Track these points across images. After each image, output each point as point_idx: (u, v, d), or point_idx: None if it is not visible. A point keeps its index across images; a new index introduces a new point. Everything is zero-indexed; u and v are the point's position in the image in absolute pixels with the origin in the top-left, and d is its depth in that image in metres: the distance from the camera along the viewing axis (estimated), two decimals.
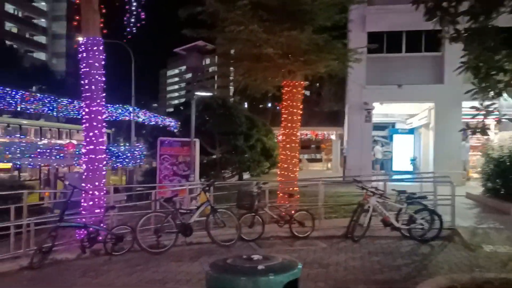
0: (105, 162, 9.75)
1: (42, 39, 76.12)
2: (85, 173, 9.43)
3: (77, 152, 19.62)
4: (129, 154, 22.42)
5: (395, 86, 19.57)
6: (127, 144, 26.64)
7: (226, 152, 17.17)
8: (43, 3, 76.85)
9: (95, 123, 9.43)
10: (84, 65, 9.37)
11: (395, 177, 18.11)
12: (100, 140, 9.53)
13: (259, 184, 9.13)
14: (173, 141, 11.97)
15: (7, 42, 57.51)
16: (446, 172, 11.49)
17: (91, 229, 7.04)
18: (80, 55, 9.43)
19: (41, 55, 74.41)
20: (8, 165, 19.88)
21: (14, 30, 69.70)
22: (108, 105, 35.69)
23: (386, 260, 7.27)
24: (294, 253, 7.69)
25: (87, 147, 9.41)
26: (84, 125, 9.52)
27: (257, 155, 18.46)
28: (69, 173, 21.62)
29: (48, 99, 24.99)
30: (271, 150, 20.26)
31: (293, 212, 9.22)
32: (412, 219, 8.63)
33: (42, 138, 24.02)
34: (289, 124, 11.21)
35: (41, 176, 22.08)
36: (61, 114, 26.57)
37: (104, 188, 9.59)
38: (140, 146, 24.70)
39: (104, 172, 9.67)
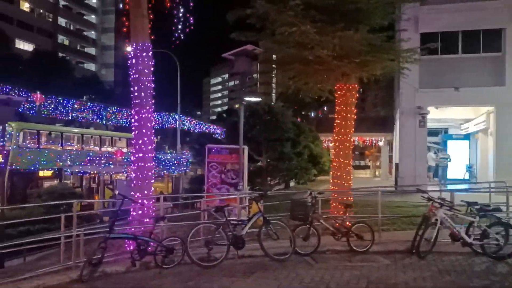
0: (153, 170, 9.57)
1: (92, 50, 79.34)
2: (134, 182, 9.26)
3: (125, 160, 19.89)
4: (175, 162, 22.49)
5: (451, 89, 18.43)
6: (173, 152, 26.82)
7: (273, 159, 16.70)
8: (93, 16, 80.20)
9: (144, 130, 9.26)
10: (133, 71, 9.25)
11: (454, 186, 16.93)
12: (149, 147, 9.35)
13: (314, 193, 8.57)
14: (221, 148, 11.66)
15: (60, 54, 60.18)
16: (510, 180, 10.44)
17: (141, 240, 6.77)
18: (129, 62, 9.32)
19: (91, 66, 77.54)
20: (49, 173, 20.37)
21: (66, 42, 73.06)
22: (154, 113, 36.35)
23: (460, 280, 6.50)
24: (355, 270, 7.07)
25: (136, 155, 9.25)
26: (133, 133, 9.38)
27: (305, 162, 17.87)
28: (118, 180, 21.97)
29: (98, 107, 25.61)
30: (318, 157, 19.60)
31: (349, 224, 8.60)
32: (485, 233, 7.78)
33: (91, 146, 24.56)
34: (342, 130, 10.60)
35: (82, 183, 22.59)
36: (110, 122, 27.17)
37: (153, 197, 9.42)
38: (186, 153, 24.78)
39: (152, 181, 9.48)
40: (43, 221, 17.03)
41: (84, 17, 78.80)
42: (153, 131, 9.61)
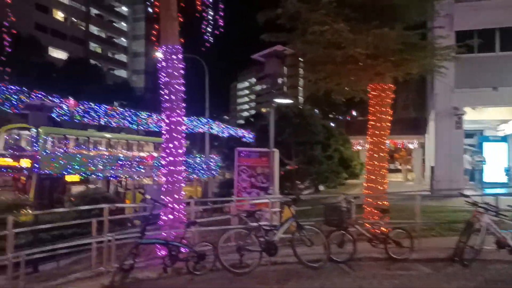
0: (184, 175, 9.47)
1: (123, 57, 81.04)
2: (165, 186, 9.19)
3: (155, 164, 20.00)
4: (204, 166, 22.48)
5: (489, 89, 17.64)
6: (202, 156, 26.89)
7: (302, 163, 16.38)
8: (124, 24, 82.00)
9: (174, 134, 9.19)
10: (163, 75, 9.20)
11: (492, 190, 16.14)
12: (180, 151, 9.26)
13: (349, 197, 8.23)
14: (251, 152, 11.46)
15: (92, 61, 61.72)
16: None
17: (172, 246, 6.64)
18: (159, 65, 9.28)
19: (122, 73, 79.17)
20: (77, 177, 20.59)
21: (98, 50, 74.94)
22: (184, 117, 36.62)
23: None
24: (394, 279, 6.71)
25: (167, 159, 9.17)
26: (163, 136, 9.31)
27: (335, 165, 17.46)
28: (147, 185, 22.11)
29: (129, 112, 25.97)
30: (349, 160, 19.13)
31: (386, 230, 8.21)
32: None
33: (121, 150, 24.76)
34: (377, 132, 10.21)
35: (109, 188, 22.60)
36: (141, 127, 27.51)
37: (184, 201, 9.31)
38: (215, 157, 24.77)
39: (183, 185, 9.38)
40: (75, 225, 17.36)
41: (115, 24, 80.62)
42: (184, 135, 9.53)
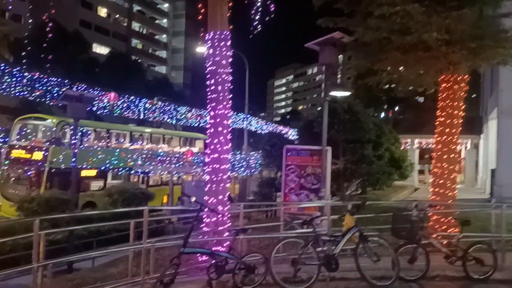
0: (229, 173, 8.64)
1: (163, 53, 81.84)
2: (208, 185, 8.38)
3: (194, 160, 19.39)
4: (244, 163, 21.70)
5: None
6: (242, 153, 26.13)
7: (351, 163, 15.20)
8: (165, 20, 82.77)
9: (220, 128, 8.34)
10: (210, 63, 8.37)
11: None
12: (226, 148, 8.42)
13: (422, 205, 7.08)
14: (301, 150, 10.45)
15: (133, 57, 62.47)
16: None
17: (219, 256, 5.79)
18: (206, 52, 8.45)
19: (162, 69, 79.95)
20: (93, 172, 19.69)
21: (139, 46, 75.97)
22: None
23: None
24: None
25: (211, 156, 8.35)
26: (208, 131, 8.50)
27: (387, 166, 16.17)
28: (185, 182, 21.54)
29: (168, 107, 25.59)
30: (400, 160, 17.75)
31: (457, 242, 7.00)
32: None
33: (153, 145, 24.09)
34: (447, 130, 8.96)
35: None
36: (180, 122, 27.10)
37: (228, 203, 8.48)
38: (255, 154, 23.97)
39: (228, 184, 8.55)
40: (112, 219, 16.98)
41: (156, 21, 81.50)
42: (230, 129, 8.69)
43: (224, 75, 8.40)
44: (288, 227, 9.10)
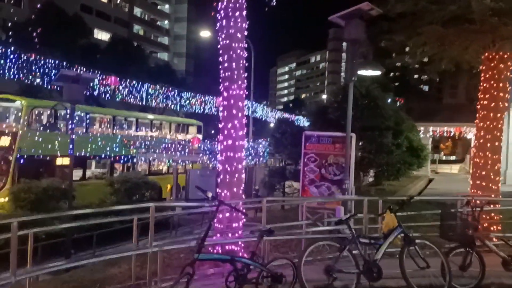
0: (244, 163, 7.64)
1: (165, 40, 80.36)
2: (221, 176, 7.38)
3: (200, 148, 18.39)
4: (252, 151, 20.69)
5: None
6: (248, 141, 25.10)
7: (369, 152, 14.18)
8: (167, 6, 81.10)
9: (234, 111, 7.31)
10: (223, 36, 7.30)
11: None
12: (241, 133, 7.39)
13: (476, 201, 6.07)
14: (322, 137, 9.42)
15: (135, 44, 61.14)
16: None
17: (240, 263, 4.81)
18: (218, 24, 7.38)
19: (164, 55, 78.53)
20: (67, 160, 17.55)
21: (141, 32, 74.49)
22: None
23: None
24: None
25: (225, 142, 7.33)
26: (221, 114, 7.46)
27: (407, 155, 15.15)
28: (190, 170, 20.56)
29: (172, 93, 24.52)
30: (419, 149, 16.71)
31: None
32: None
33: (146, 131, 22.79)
34: (491, 114, 7.92)
35: (112, 173, 20.09)
36: (184, 108, 26.03)
37: (243, 197, 7.48)
38: (263, 142, 22.94)
39: (243, 175, 7.55)
40: (115, 212, 16.05)
41: (158, 7, 79.86)
42: (245, 112, 7.65)
43: (239, 51, 7.35)
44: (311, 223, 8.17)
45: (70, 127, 11.04)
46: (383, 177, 16.06)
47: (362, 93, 14.02)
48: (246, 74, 7.52)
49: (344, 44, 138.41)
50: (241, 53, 7.37)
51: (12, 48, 20.41)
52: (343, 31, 8.53)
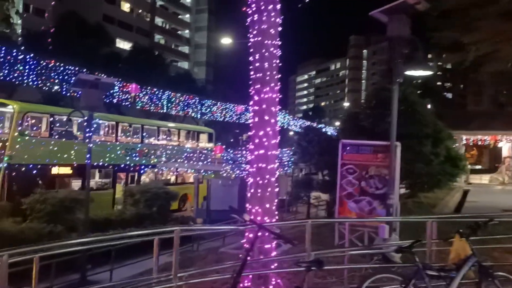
0: (277, 175, 6.78)
1: (185, 49, 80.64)
2: (252, 190, 6.53)
3: (223, 157, 17.61)
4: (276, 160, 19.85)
5: None
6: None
7: (406, 161, 13.08)
8: (187, 16, 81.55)
9: (267, 117, 6.47)
10: (254, 33, 6.49)
11: None
12: (273, 142, 6.55)
13: None
14: (362, 146, 8.50)
15: (156, 52, 61.31)
16: None
17: None
18: (249, 19, 6.58)
19: (184, 64, 78.72)
20: (67, 169, 16.48)
21: (162, 41, 74.90)
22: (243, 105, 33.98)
23: None
24: None
25: (256, 152, 6.48)
26: (252, 120, 6.64)
27: (448, 165, 14.01)
28: (212, 180, 19.78)
29: (193, 100, 23.90)
30: (458, 159, 15.55)
31: None
32: None
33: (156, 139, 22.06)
34: None
35: (115, 185, 18.97)
36: (205, 116, 25.38)
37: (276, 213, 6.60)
38: (287, 151, 22.08)
39: (276, 189, 6.68)
40: (134, 223, 15.41)
41: (179, 16, 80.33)
42: (278, 118, 6.81)
43: (272, 48, 6.52)
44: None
45: (87, 135, 10.40)
46: (419, 188, 14.94)
47: (399, 98, 12.98)
48: (280, 75, 6.69)
49: (365, 51, 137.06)
50: (275, 51, 6.55)
51: (33, 55, 20.23)
52: (386, 27, 7.65)
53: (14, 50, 18.90)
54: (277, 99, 6.66)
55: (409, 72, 7.75)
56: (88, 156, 9.22)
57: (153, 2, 72.24)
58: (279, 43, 6.63)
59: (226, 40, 31.98)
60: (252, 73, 6.57)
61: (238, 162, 16.41)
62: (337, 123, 69.41)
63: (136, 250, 12.96)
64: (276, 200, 6.62)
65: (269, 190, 6.45)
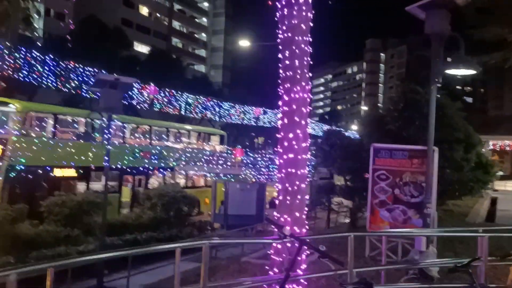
0: (308, 181, 6.32)
1: (202, 52, 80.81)
2: (280, 197, 6.07)
3: (243, 160, 17.16)
4: None
5: None
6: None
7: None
8: (204, 19, 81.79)
9: (297, 118, 6.01)
10: (284, 28, 6.06)
11: None
12: (304, 145, 6.09)
13: None
14: (396, 150, 7.97)
15: (173, 56, 61.43)
16: None
17: None
18: (278, 14, 6.14)
19: (201, 68, 78.84)
20: (72, 172, 15.72)
21: (179, 45, 75.16)
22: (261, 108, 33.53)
23: None
24: None
25: (285, 156, 6.03)
26: (280, 122, 6.19)
27: (481, 172, 13.32)
28: (230, 184, 19.35)
29: (211, 103, 23.60)
30: (489, 165, 14.81)
31: None
32: None
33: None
34: None
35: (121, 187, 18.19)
36: (223, 119, 25.06)
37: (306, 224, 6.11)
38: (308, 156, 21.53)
39: (307, 196, 6.22)
40: (151, 228, 15.07)
41: (196, 20, 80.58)
42: (308, 120, 6.35)
43: (303, 45, 6.06)
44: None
45: (105, 137, 10.10)
46: (449, 196, 14.24)
47: (427, 100, 12.37)
48: (310, 74, 6.23)
49: (383, 54, 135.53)
50: (306, 48, 6.10)
51: (53, 57, 20.23)
52: (424, 24, 7.13)
53: (34, 52, 18.87)
54: (308, 100, 6.20)
55: (451, 71, 7.19)
56: (106, 158, 8.88)
57: (171, 6, 72.61)
58: (310, 39, 6.19)
59: (244, 43, 31.69)
60: (281, 71, 6.13)
61: (258, 166, 15.95)
62: (354, 127, 68.38)
63: (152, 254, 12.71)
64: (306, 209, 6.15)
65: (298, 198, 5.99)
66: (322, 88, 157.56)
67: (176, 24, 74.32)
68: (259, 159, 17.95)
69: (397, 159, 7.79)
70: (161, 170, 18.46)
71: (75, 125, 16.52)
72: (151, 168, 18.14)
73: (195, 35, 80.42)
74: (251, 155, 18.29)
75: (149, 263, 12.61)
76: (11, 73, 18.73)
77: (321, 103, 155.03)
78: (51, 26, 44.17)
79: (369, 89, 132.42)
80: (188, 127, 23.89)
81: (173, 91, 21.11)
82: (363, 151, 14.00)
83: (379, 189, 7.86)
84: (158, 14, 70.67)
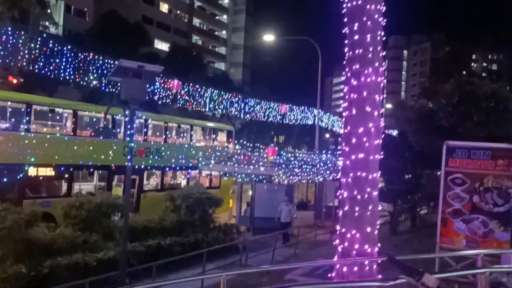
0: (380, 186, 5.06)
1: (222, 50, 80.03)
2: (346, 207, 4.83)
3: (275, 160, 15.88)
4: (330, 164, 18.00)
5: None
6: (315, 153, 22.42)
7: None
8: (225, 16, 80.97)
9: (369, 108, 4.75)
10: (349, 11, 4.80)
11: None
12: (376, 142, 4.83)
13: None
14: (476, 149, 6.61)
15: (194, 53, 60.61)
16: None
17: None
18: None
19: (221, 65, 78.04)
20: (49, 170, 14.06)
21: (199, 42, 74.48)
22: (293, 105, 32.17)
23: None
24: None
25: (352, 156, 4.78)
26: (345, 114, 4.95)
27: None
28: (257, 185, 18.16)
29: (236, 98, 22.49)
30: None
31: None
32: None
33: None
34: None
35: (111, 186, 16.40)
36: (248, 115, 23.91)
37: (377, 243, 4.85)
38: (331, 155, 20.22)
39: (380, 207, 4.97)
40: (175, 232, 14.03)
41: (217, 17, 79.84)
42: (382, 111, 5.08)
43: (377, 16, 4.81)
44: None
45: (128, 133, 9.01)
46: None
47: (487, 93, 10.96)
48: (384, 53, 4.97)
49: (405, 52, 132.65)
50: (380, 19, 4.84)
51: (74, 54, 19.49)
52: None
53: (55, 44, 18.06)
54: (382, 85, 4.94)
55: None
56: (129, 157, 7.77)
57: (191, 3, 71.95)
58: (384, 8, 4.92)
59: (269, 37, 30.59)
60: (347, 49, 4.89)
61: (291, 166, 14.70)
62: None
63: (177, 261, 11.69)
64: (378, 222, 4.90)
65: (370, 209, 4.73)
66: (342, 86, 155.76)
67: (196, 22, 73.63)
68: (291, 158, 16.69)
69: (477, 159, 6.43)
70: (186, 169, 17.33)
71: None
72: (177, 167, 17.03)
73: (216, 32, 79.62)
74: (284, 154, 17.04)
75: (173, 270, 11.67)
76: (31, 68, 18.03)
77: (341, 101, 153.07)
78: (71, 23, 43.91)
79: (391, 87, 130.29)
80: (192, 121, 21.95)
81: (197, 86, 20.07)
82: (406, 149, 12.63)
83: (454, 195, 6.52)
84: (178, 11, 70.04)
